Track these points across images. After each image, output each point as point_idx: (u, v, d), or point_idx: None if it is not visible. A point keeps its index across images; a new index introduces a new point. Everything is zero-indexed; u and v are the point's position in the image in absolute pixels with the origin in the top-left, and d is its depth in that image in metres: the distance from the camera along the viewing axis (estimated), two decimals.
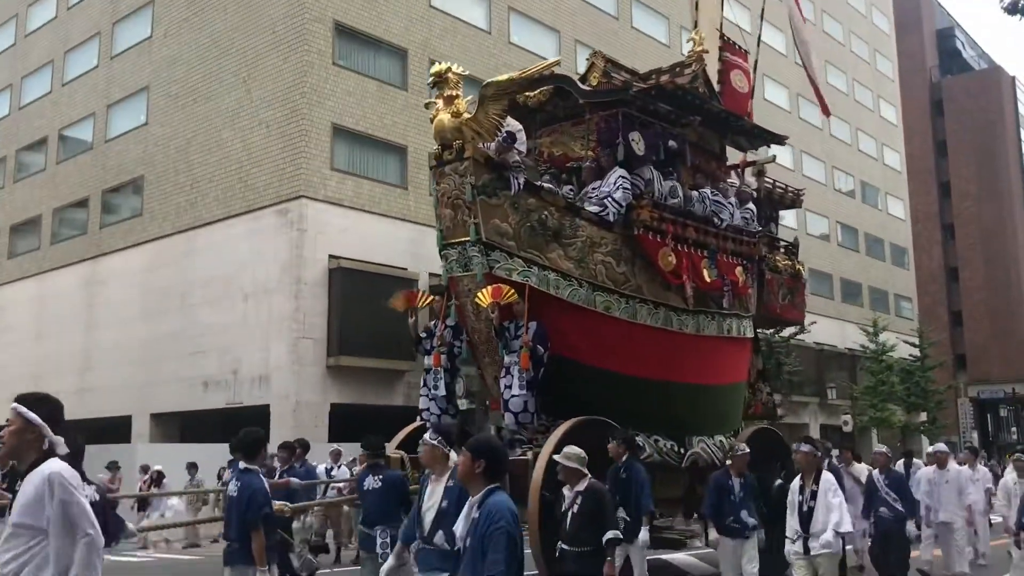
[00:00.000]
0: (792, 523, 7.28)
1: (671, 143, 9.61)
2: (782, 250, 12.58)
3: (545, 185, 8.95)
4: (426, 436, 5.67)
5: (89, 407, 24.45)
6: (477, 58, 23.68)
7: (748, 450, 8.94)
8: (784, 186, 12.80)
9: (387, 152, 22.73)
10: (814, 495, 7.25)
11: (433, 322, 9.39)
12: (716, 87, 12.54)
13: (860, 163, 44.89)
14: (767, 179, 12.65)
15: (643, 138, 9.27)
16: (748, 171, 12.28)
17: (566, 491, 6.29)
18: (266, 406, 20.07)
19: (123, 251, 25.52)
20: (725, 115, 10.79)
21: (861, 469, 11.65)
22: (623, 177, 9.14)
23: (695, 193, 9.91)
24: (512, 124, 9.29)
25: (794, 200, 12.92)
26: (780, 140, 11.83)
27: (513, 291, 8.29)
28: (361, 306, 19.99)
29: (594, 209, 9.15)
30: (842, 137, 43.62)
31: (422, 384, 9.18)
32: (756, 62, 12.89)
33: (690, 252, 9.71)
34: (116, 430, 23.70)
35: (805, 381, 33.70)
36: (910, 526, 9.38)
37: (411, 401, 17.76)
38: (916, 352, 38.03)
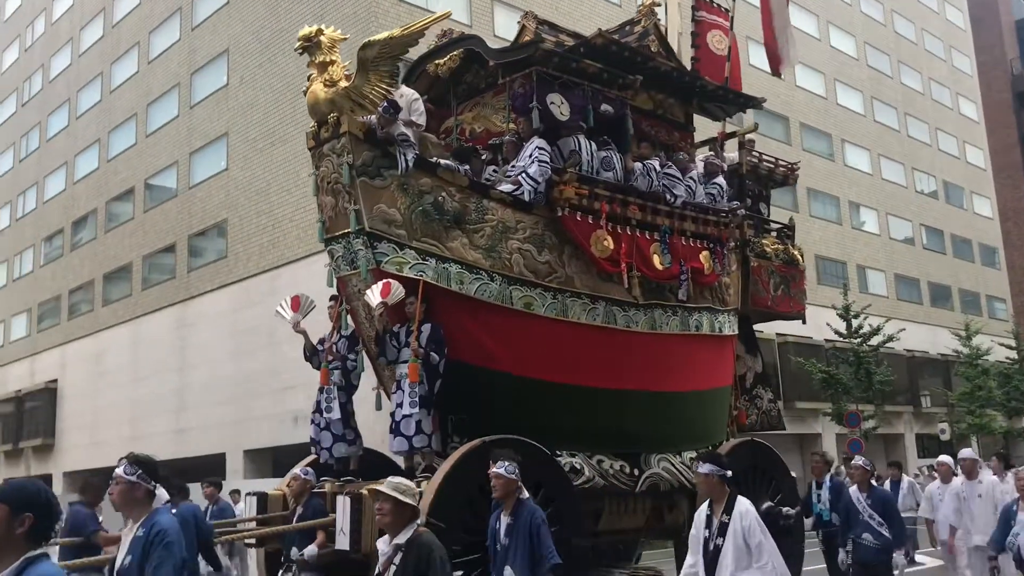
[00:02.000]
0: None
1: (605, 107, 8.31)
2: (774, 234, 11.15)
3: (442, 161, 7.73)
4: (118, 470, 4.29)
5: (185, 446, 25.54)
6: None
7: (863, 463, 7.77)
8: (773, 160, 11.37)
9: None
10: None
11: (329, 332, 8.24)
12: (691, 50, 11.27)
13: (942, 163, 43.30)
14: (753, 152, 11.26)
15: (566, 101, 8.01)
16: (743, 147, 10.91)
17: (381, 545, 4.58)
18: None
19: (210, 293, 26.48)
20: (680, 76, 9.45)
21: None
22: (540, 148, 7.87)
23: (638, 165, 8.56)
24: (406, 92, 8.16)
25: (786, 175, 11.46)
26: (756, 103, 10.41)
27: (402, 288, 7.11)
28: None
29: (506, 188, 7.90)
30: (921, 138, 42.12)
31: (313, 408, 8.01)
32: (732, 20, 11.51)
33: (633, 235, 8.37)
34: (212, 468, 23.88)
35: (897, 390, 32.50)
36: (897, 556, 7.84)
37: None
38: (1013, 355, 36.49)
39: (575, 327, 7.99)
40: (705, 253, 9.05)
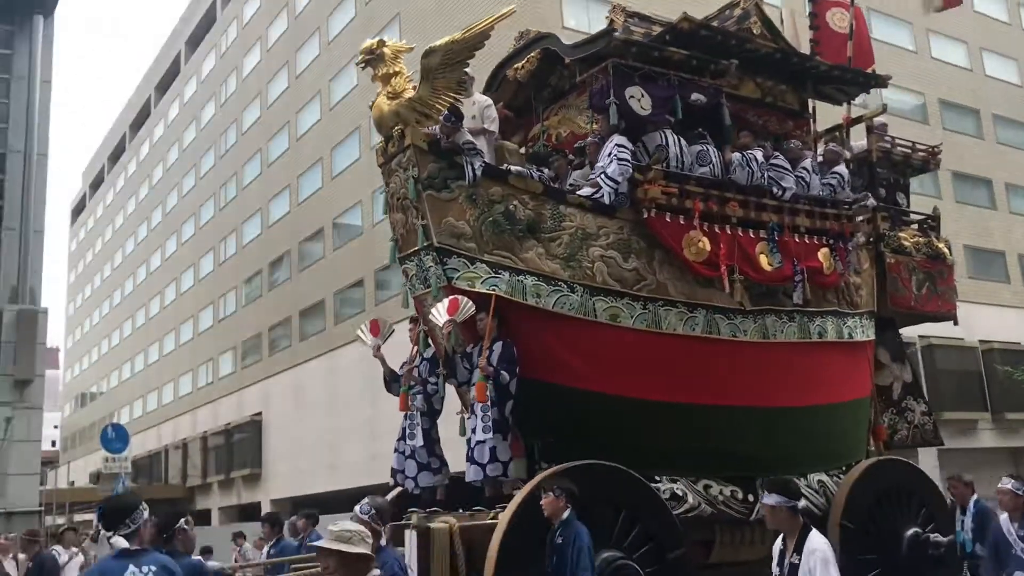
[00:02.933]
0: None
1: (696, 97, 7.64)
2: (915, 226, 10.01)
3: (513, 168, 7.31)
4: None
5: (378, 474, 26.20)
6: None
7: (1013, 486, 6.72)
8: (910, 144, 10.24)
9: None
10: None
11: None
12: (808, 32, 10.41)
13: None
14: (885, 137, 10.19)
15: (647, 94, 7.42)
16: (869, 134, 9.91)
17: None
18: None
19: (398, 323, 26.98)
20: (786, 58, 8.61)
21: None
22: (619, 146, 7.30)
23: (736, 156, 7.80)
24: (479, 99, 7.87)
25: (926, 160, 10.29)
26: (882, 81, 9.39)
27: (471, 304, 6.73)
28: None
29: (585, 192, 7.39)
30: None
31: (397, 436, 7.71)
32: None
33: (734, 234, 7.63)
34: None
35: None
36: None
37: None
38: None
39: (671, 339, 7.33)
40: (824, 251, 8.16)
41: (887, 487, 8.12)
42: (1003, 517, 6.79)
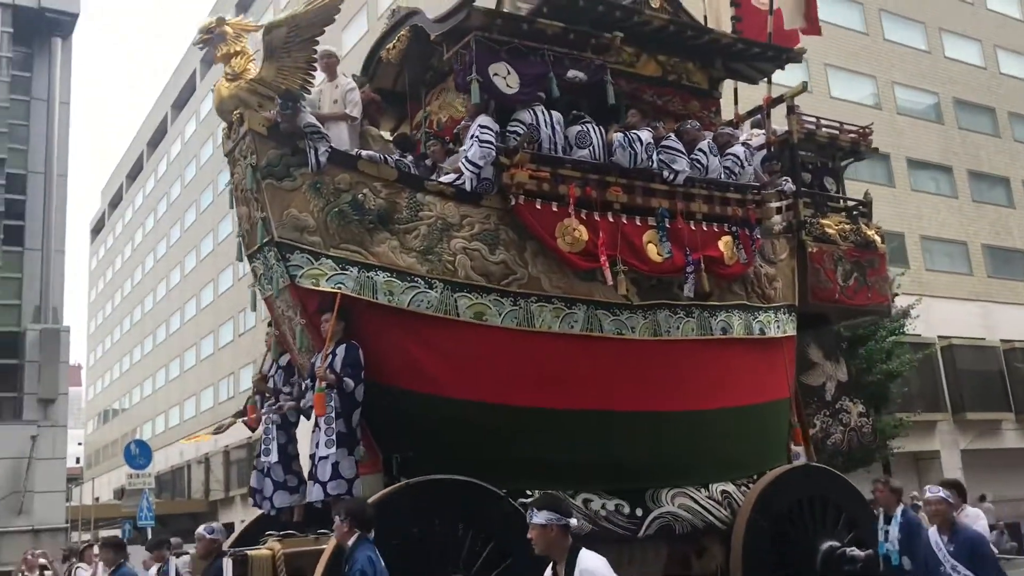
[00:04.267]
0: None
1: (574, 74, 7.06)
2: (844, 213, 9.40)
3: (364, 153, 6.73)
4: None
5: None
6: None
7: (942, 494, 6.15)
8: (837, 125, 9.64)
9: None
10: None
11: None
12: (729, 7, 9.85)
13: None
14: (809, 117, 9.60)
15: (514, 71, 6.83)
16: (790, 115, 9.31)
17: None
18: None
19: None
20: (683, 31, 8.00)
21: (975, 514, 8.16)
22: (482, 127, 6.71)
23: (618, 137, 7.21)
24: (341, 82, 7.31)
25: (856, 143, 9.69)
26: (795, 56, 8.81)
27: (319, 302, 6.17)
28: None
29: (447, 178, 6.81)
30: None
31: (255, 453, 7.12)
32: None
33: (617, 222, 7.03)
34: None
35: None
36: None
37: None
38: None
39: (546, 338, 6.73)
40: (726, 239, 7.55)
41: (800, 497, 7.50)
42: (931, 530, 6.16)
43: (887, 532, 7.16)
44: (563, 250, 6.73)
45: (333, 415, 6.03)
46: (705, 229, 7.48)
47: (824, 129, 9.46)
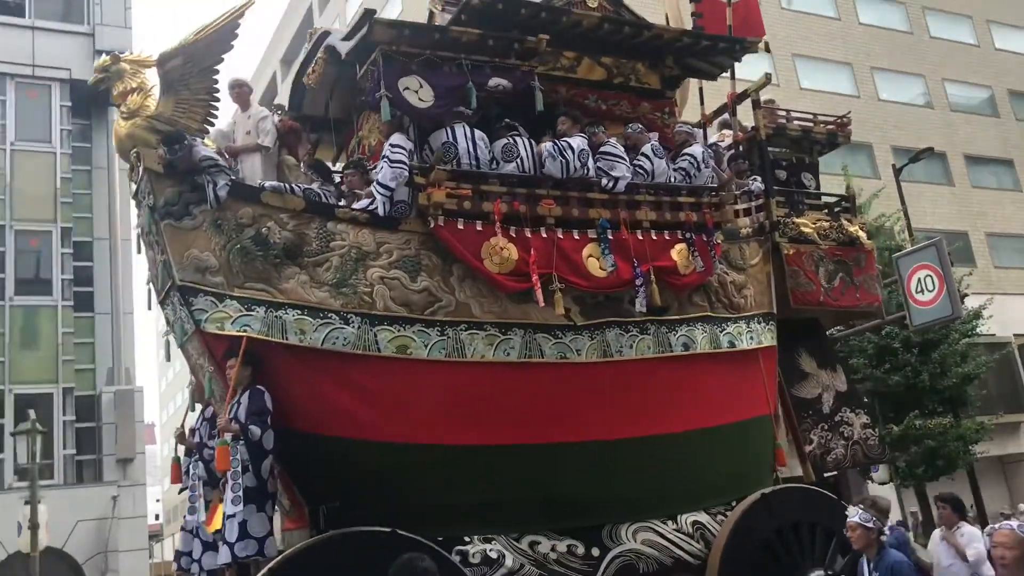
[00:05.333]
0: None
1: (495, 83, 6.62)
2: (825, 211, 8.80)
3: (268, 184, 6.34)
4: None
5: None
6: None
7: (860, 517, 5.51)
8: (811, 117, 9.06)
9: None
10: None
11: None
12: (689, 3, 9.37)
13: None
14: (780, 111, 9.04)
15: (427, 84, 6.41)
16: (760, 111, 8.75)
17: None
18: None
19: None
20: (618, 28, 7.48)
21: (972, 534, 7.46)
22: (392, 147, 6.27)
23: (547, 147, 6.73)
24: (254, 112, 6.97)
25: (834, 135, 9.09)
26: (751, 46, 8.26)
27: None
28: None
29: (360, 204, 6.39)
30: None
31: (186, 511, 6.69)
32: None
33: (552, 237, 6.53)
34: None
35: None
36: None
37: None
38: None
39: (479, 369, 6.24)
40: (680, 247, 7.00)
41: (784, 523, 6.88)
42: (862, 560, 5.52)
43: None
44: (491, 271, 6.24)
45: (239, 469, 5.58)
46: (655, 238, 6.95)
47: (796, 123, 8.89)
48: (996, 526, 4.49)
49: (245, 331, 5.81)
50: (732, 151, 8.64)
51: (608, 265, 6.60)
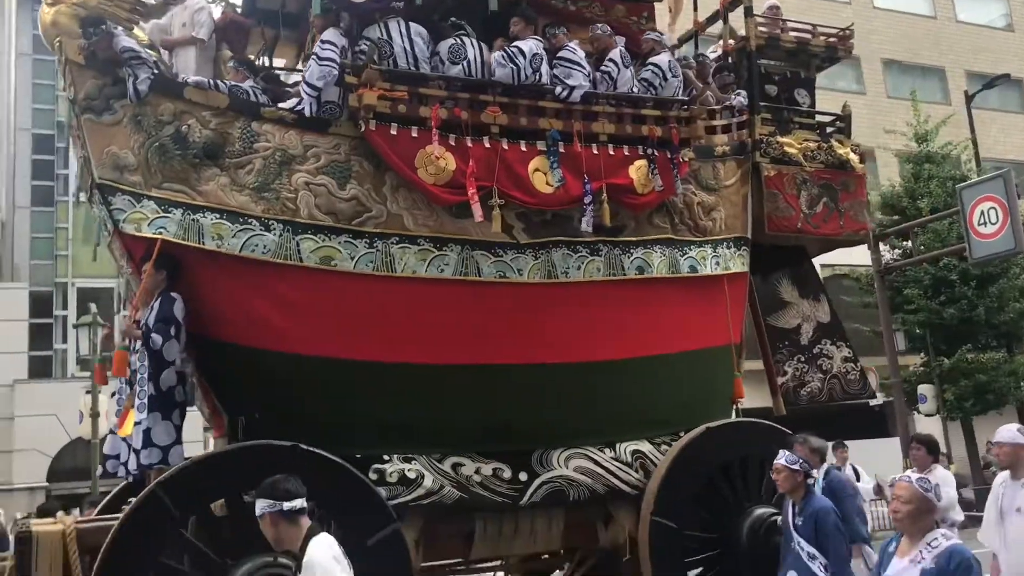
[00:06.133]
0: None
1: None
2: (816, 130, 8.23)
3: (191, 79, 6.00)
4: None
5: None
6: None
7: (786, 459, 5.38)
8: (809, 28, 8.42)
9: None
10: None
11: None
12: None
13: None
14: (776, 21, 8.41)
15: None
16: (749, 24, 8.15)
17: None
18: None
19: None
20: None
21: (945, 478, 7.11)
22: (323, 43, 5.87)
23: (497, 54, 6.27)
24: (190, 3, 6.57)
25: (833, 49, 8.43)
26: None
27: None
28: None
29: (288, 104, 6.04)
30: None
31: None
32: None
33: (496, 147, 6.14)
34: None
35: None
36: None
37: None
38: None
39: (409, 284, 5.95)
40: (639, 163, 6.57)
41: (729, 458, 6.60)
42: (788, 502, 5.25)
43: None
44: (424, 182, 5.89)
45: (146, 376, 5.44)
46: (612, 153, 6.50)
47: (793, 33, 8.27)
48: (896, 477, 4.20)
49: (160, 233, 5.58)
50: (720, 62, 8.11)
51: (556, 180, 6.21)
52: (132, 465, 5.55)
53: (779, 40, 8.13)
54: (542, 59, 6.36)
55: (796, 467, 5.18)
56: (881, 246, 16.52)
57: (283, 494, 3.66)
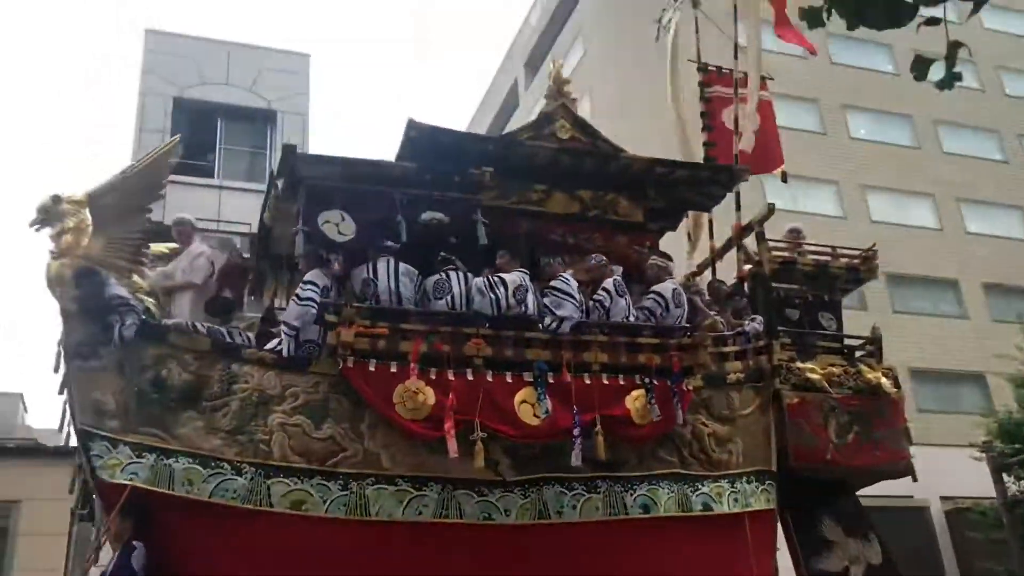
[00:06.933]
0: None
1: (429, 216, 6.26)
2: (843, 355, 7.81)
3: (172, 323, 6.08)
4: None
5: None
6: None
7: None
8: (829, 250, 8.22)
9: None
10: None
11: None
12: (701, 133, 8.97)
13: None
14: (797, 244, 8.26)
15: (350, 217, 6.10)
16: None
17: None
18: None
19: None
20: (580, 160, 7.05)
21: None
22: (305, 283, 5.97)
23: (477, 282, 6.24)
24: (193, 249, 6.84)
25: (857, 270, 8.17)
26: (739, 175, 7.61)
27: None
28: None
29: (271, 345, 6.03)
30: None
31: None
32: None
33: (479, 380, 5.95)
34: None
35: None
36: None
37: None
38: None
39: (385, 528, 5.62)
40: (636, 393, 6.27)
41: None
42: None
43: None
44: (401, 417, 5.70)
45: None
46: (606, 383, 6.25)
47: (811, 256, 8.08)
48: None
49: (132, 479, 5.46)
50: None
51: (542, 411, 5.94)
52: None
53: (795, 263, 7.95)
54: (526, 290, 6.29)
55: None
56: (1005, 477, 15.27)
57: None
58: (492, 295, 6.18)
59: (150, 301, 6.31)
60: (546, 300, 6.36)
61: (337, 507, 5.59)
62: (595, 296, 6.56)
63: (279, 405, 5.75)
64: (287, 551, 5.48)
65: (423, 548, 5.64)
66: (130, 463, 5.53)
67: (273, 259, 7.78)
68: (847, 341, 8.00)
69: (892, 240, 21.77)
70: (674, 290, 6.83)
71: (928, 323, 21.31)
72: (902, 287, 21.91)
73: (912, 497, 18.51)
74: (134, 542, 5.34)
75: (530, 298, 6.30)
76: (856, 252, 8.29)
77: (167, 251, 7.23)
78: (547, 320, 6.25)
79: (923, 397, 20.64)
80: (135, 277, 6.37)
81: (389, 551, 5.58)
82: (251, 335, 6.41)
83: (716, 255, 8.55)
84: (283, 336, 5.90)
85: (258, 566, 5.46)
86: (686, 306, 6.87)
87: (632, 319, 6.58)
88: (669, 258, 8.46)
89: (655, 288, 6.78)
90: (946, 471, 18.94)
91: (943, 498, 19.39)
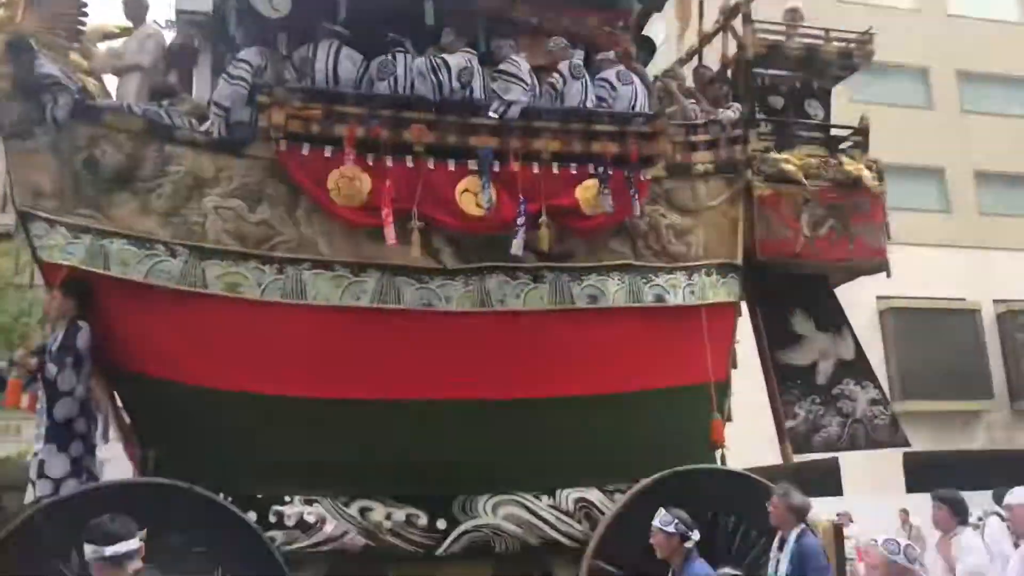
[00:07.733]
0: None
1: None
2: (824, 144, 7.41)
3: (108, 103, 5.90)
4: None
5: None
6: None
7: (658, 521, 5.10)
8: (820, 33, 7.61)
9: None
10: None
11: None
12: None
13: None
14: (786, 24, 7.67)
15: None
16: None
17: None
18: (835, 458, 17.49)
19: None
20: None
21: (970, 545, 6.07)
22: (236, 61, 5.70)
23: (419, 63, 5.89)
24: (143, 31, 6.55)
25: (851, 55, 7.60)
26: None
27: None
28: (920, 347, 18.03)
29: (205, 126, 5.85)
30: None
31: None
32: None
33: (420, 167, 5.76)
34: None
35: None
36: None
37: (994, 445, 17.93)
38: None
39: (321, 313, 5.65)
40: (589, 183, 6.04)
41: (692, 509, 5.89)
42: None
43: (778, 561, 5.45)
44: (335, 204, 5.59)
45: (43, 407, 5.33)
46: (556, 172, 6.02)
47: (799, 39, 7.51)
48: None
49: (68, 260, 5.50)
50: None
51: (485, 201, 5.77)
52: (28, 496, 5.42)
53: (782, 48, 7.41)
54: (472, 73, 5.95)
55: (671, 529, 4.55)
56: None
57: (103, 538, 3.36)
58: (434, 78, 5.85)
59: (91, 81, 6.12)
60: (494, 85, 6.03)
61: (273, 291, 5.60)
62: (548, 79, 6.21)
63: (213, 188, 5.65)
64: (224, 332, 5.56)
65: (361, 333, 5.67)
66: (67, 243, 5.54)
67: (229, 42, 7.48)
68: (833, 132, 7.60)
69: (965, 31, 20.42)
70: (619, 72, 6.40)
71: (999, 123, 20.27)
72: (973, 83, 20.81)
73: (964, 300, 18.54)
74: (79, 322, 5.44)
75: (477, 82, 5.97)
76: (851, 35, 7.69)
77: (117, 30, 6.96)
78: (494, 104, 5.95)
79: (986, 200, 20.09)
80: (76, 55, 6.17)
81: (326, 335, 5.63)
82: (194, 120, 6.21)
83: (704, 39, 8.00)
84: (212, 116, 5.70)
85: (195, 345, 5.55)
86: (638, 87, 6.45)
87: (590, 105, 6.24)
88: (651, 42, 8.02)
89: (601, 75, 6.35)
90: (1004, 274, 18.74)
91: (996, 301, 19.17)
